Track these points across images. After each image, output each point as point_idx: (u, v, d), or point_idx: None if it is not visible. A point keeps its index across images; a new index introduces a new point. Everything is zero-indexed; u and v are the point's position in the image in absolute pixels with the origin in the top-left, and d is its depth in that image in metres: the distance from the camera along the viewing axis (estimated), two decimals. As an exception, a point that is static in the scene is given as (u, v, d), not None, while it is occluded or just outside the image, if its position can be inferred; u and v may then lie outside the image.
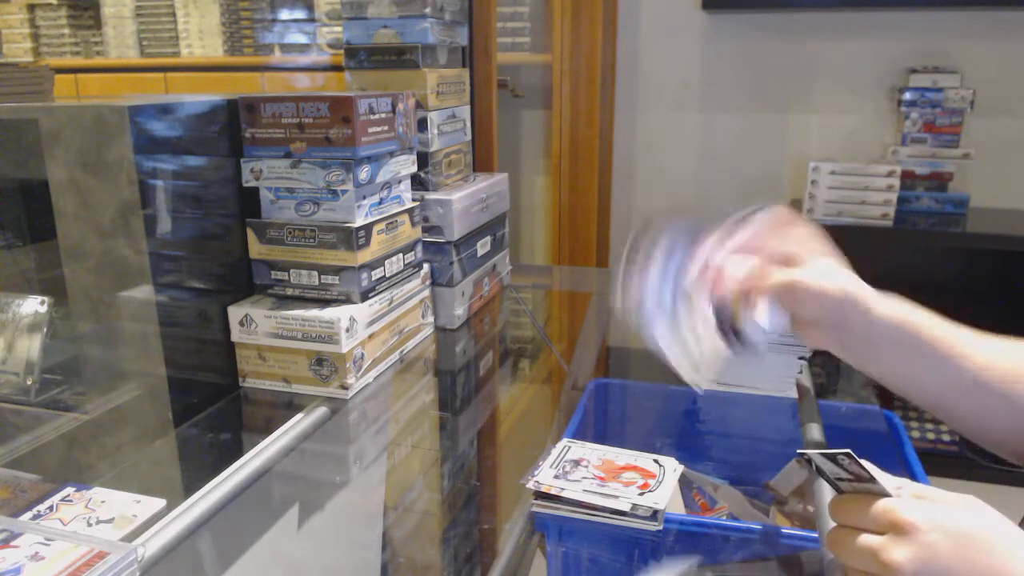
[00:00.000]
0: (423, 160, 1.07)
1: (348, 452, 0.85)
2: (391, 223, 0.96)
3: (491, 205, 1.22)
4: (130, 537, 0.59)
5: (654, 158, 2.50)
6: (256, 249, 0.92)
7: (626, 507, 0.63)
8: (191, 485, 0.69)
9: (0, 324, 0.88)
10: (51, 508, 0.61)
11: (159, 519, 0.62)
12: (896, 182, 2.05)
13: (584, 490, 0.65)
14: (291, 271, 0.91)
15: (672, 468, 0.69)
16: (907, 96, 2.12)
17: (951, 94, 2.08)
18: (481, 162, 1.54)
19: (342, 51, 1.09)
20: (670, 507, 0.64)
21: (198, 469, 0.76)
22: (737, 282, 0.59)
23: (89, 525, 0.59)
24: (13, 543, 0.52)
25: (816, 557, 0.60)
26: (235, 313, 0.90)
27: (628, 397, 0.97)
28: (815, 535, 0.64)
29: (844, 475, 0.47)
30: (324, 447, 0.83)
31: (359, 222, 0.89)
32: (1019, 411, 0.57)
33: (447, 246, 1.09)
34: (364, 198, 0.91)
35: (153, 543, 0.59)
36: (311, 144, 0.87)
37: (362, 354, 0.90)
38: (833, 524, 0.48)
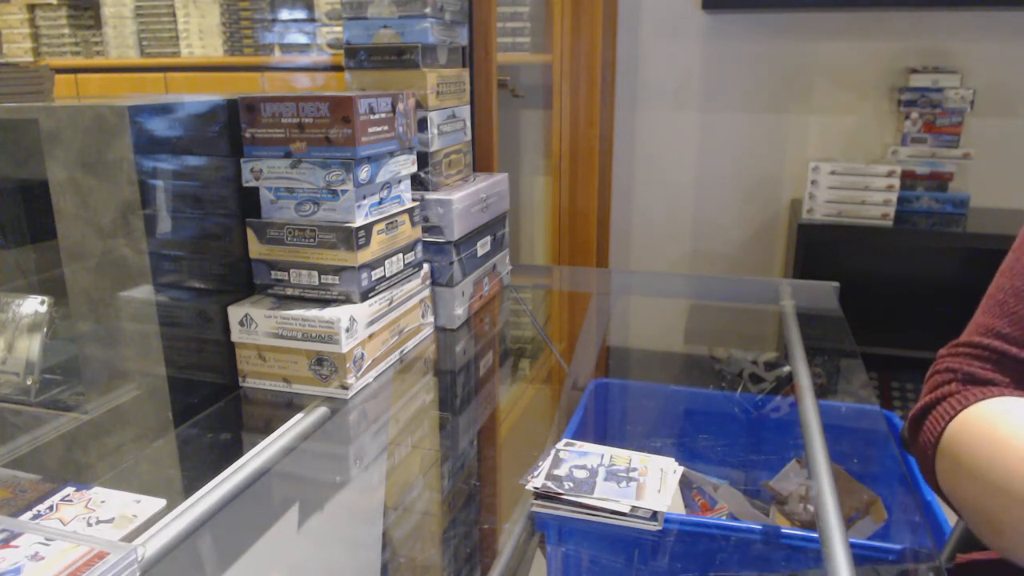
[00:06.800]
0: (423, 160, 1.07)
1: (348, 452, 0.85)
2: (391, 223, 0.96)
3: (491, 205, 1.22)
4: (130, 537, 0.59)
5: (654, 158, 2.50)
6: (256, 249, 0.92)
7: (626, 508, 0.63)
8: (191, 485, 0.69)
9: (0, 324, 0.88)
10: (51, 508, 0.61)
11: (159, 519, 0.62)
12: (896, 182, 2.05)
13: (584, 491, 0.65)
14: (291, 271, 0.91)
15: (672, 469, 0.69)
16: (907, 96, 2.12)
17: (951, 94, 2.08)
18: (481, 162, 1.54)
19: (342, 51, 1.09)
20: (670, 507, 0.64)
21: (198, 469, 0.76)
22: None
23: (89, 525, 0.59)
24: (13, 543, 0.52)
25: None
26: (235, 313, 0.90)
27: (628, 397, 0.97)
28: (815, 535, 0.64)
29: None
30: (324, 447, 0.83)
31: (359, 222, 0.89)
32: None
33: (447, 246, 1.09)
34: (364, 198, 0.91)
35: (153, 543, 0.59)
36: (311, 144, 0.87)
37: (362, 354, 0.90)
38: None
